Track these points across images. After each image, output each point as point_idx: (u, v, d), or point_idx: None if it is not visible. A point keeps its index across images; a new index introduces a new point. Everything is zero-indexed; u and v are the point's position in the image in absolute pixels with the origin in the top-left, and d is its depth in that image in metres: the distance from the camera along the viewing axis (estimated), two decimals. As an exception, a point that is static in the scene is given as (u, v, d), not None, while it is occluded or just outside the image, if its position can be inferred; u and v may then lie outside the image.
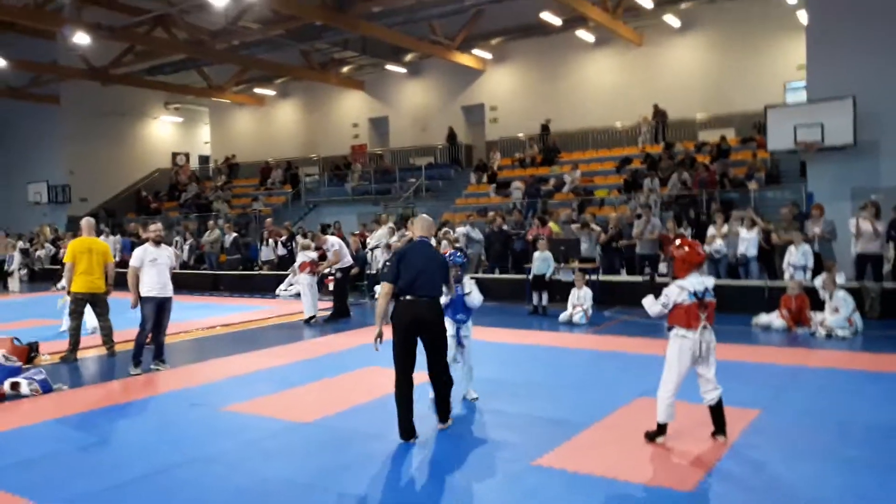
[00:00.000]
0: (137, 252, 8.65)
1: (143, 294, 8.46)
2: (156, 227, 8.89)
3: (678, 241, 5.54)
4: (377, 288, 7.00)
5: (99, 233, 13.55)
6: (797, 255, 11.44)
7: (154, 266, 8.48)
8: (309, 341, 10.72)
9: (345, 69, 28.04)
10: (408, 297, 5.57)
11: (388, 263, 6.57)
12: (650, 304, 5.39)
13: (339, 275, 12.68)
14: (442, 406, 5.86)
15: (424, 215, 6.22)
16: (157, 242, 8.70)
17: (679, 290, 5.25)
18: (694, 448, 5.24)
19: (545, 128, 23.41)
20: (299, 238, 14.86)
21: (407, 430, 5.51)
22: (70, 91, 29.18)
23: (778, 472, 4.78)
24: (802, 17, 15.49)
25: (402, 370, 5.55)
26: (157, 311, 8.52)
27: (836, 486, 4.53)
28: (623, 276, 14.28)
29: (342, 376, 7.90)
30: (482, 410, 6.45)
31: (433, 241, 6.25)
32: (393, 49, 24.91)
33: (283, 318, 13.14)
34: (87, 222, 9.69)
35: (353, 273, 13.95)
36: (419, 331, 5.58)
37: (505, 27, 23.42)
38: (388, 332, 5.59)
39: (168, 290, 8.61)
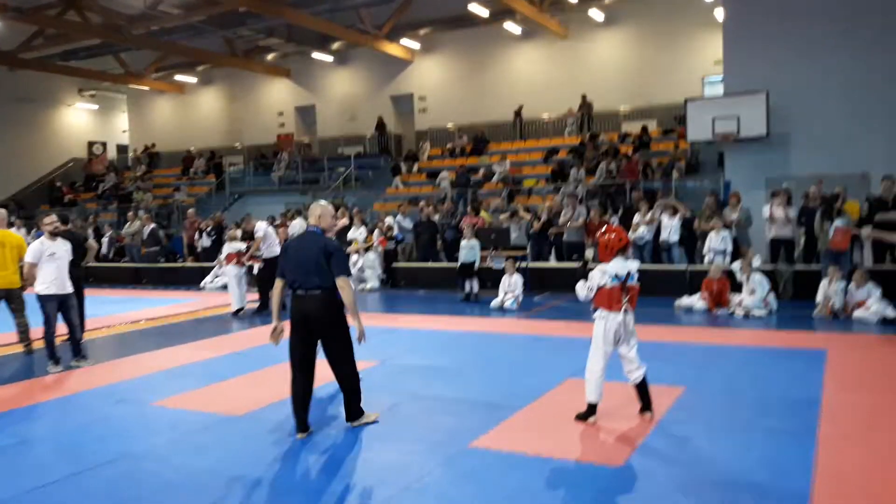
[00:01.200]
0: (34, 246, 8.20)
1: (41, 292, 8.04)
2: (51, 220, 8.49)
3: (604, 228, 5.71)
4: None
5: (10, 224, 12.90)
6: (717, 241, 11.95)
7: (52, 261, 8.10)
8: (237, 334, 10.51)
9: (270, 56, 27.45)
10: (297, 292, 5.38)
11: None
12: (580, 287, 5.58)
13: (262, 265, 12.31)
14: (347, 405, 5.62)
15: (321, 202, 5.80)
16: (54, 235, 8.32)
17: (602, 274, 5.44)
18: (622, 426, 5.44)
19: (518, 114, 22.95)
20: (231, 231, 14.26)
21: (300, 425, 5.42)
22: (-25, 76, 27.54)
23: (702, 446, 5.01)
24: (719, 14, 16.10)
25: (296, 366, 5.41)
26: (62, 309, 8.15)
27: (756, 455, 4.78)
28: (552, 263, 14.58)
29: (271, 368, 7.77)
30: (418, 396, 6.49)
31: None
32: (320, 37, 24.54)
33: (209, 311, 12.83)
34: (-2, 214, 9.20)
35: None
36: (308, 326, 5.35)
37: (433, 17, 23.42)
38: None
39: (67, 287, 8.19)
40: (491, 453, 4.97)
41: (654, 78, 21.30)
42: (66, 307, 8.21)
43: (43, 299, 8.07)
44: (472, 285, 12.73)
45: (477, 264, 12.77)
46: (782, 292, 11.40)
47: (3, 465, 5.08)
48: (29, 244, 8.66)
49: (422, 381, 7.04)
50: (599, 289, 5.44)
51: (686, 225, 13.05)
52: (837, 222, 10.52)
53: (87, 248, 10.18)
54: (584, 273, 5.64)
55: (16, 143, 29.25)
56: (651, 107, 21.33)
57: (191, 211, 20.57)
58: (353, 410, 5.61)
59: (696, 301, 10.92)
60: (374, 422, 5.67)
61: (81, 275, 9.84)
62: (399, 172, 22.90)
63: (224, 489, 4.50)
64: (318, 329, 5.38)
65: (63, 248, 8.29)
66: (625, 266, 5.48)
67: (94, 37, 23.08)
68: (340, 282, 5.31)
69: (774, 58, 14.02)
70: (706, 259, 12.01)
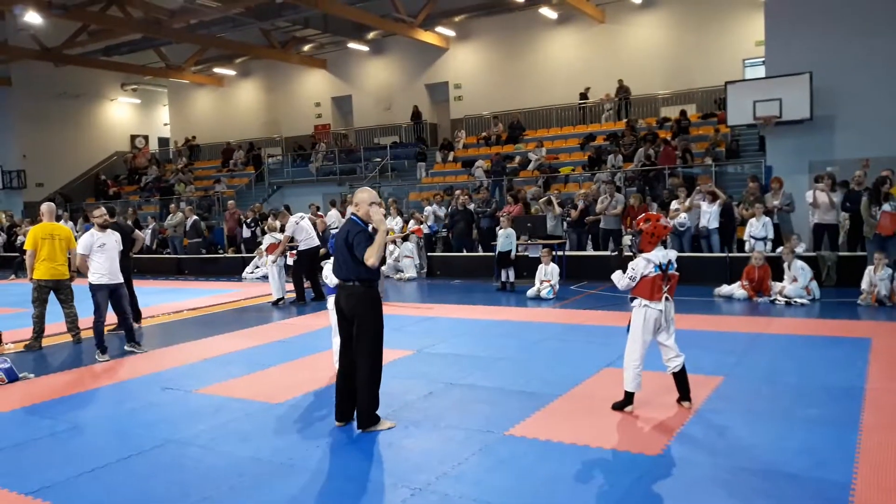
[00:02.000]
0: (85, 238, 8.46)
1: (93, 282, 8.30)
2: (100, 212, 8.72)
3: (643, 216, 5.66)
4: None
5: (58, 218, 13.30)
6: (758, 227, 11.73)
7: (102, 252, 8.34)
8: (278, 323, 10.70)
9: (306, 48, 27.67)
10: (338, 282, 5.37)
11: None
12: (619, 278, 5.53)
13: (295, 257, 12.37)
14: (359, 407, 5.27)
15: (365, 188, 5.59)
16: (104, 227, 8.55)
17: (646, 263, 5.40)
18: (660, 415, 5.41)
19: (583, 96, 22.40)
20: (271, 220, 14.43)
21: (337, 412, 5.43)
22: (22, 72, 28.33)
23: (740, 435, 4.97)
24: (760, -8, 15.76)
25: (341, 354, 5.41)
26: (112, 298, 8.41)
27: (795, 444, 4.72)
28: (589, 252, 14.48)
29: (312, 357, 7.91)
30: (454, 385, 6.54)
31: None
32: (355, 27, 24.65)
33: (250, 301, 13.07)
34: (48, 207, 9.49)
35: (321, 254, 13.76)
36: (344, 318, 5.28)
37: (468, 4, 23.35)
38: None
39: (118, 276, 8.45)
40: (527, 441, 4.99)
41: (692, 61, 20.93)
42: (116, 296, 8.47)
43: (94, 288, 8.33)
44: (509, 274, 12.73)
45: (513, 253, 12.75)
46: (825, 280, 11.16)
47: (56, 449, 5.29)
48: (77, 236, 8.93)
49: (458, 369, 7.09)
50: (642, 278, 5.41)
51: (725, 212, 12.83)
52: (885, 206, 10.25)
53: (134, 238, 10.47)
54: (620, 263, 5.60)
55: (61, 138, 30.05)
56: (690, 90, 20.98)
57: (231, 202, 20.92)
58: (368, 415, 5.27)
59: (736, 289, 10.75)
60: (389, 428, 5.32)
61: (131, 265, 10.15)
62: (424, 159, 22.90)
63: (266, 475, 4.61)
64: (345, 320, 5.26)
65: (112, 239, 8.54)
66: (665, 255, 5.45)
67: (136, 31, 23.57)
68: (365, 260, 5.02)
69: (818, 38, 13.65)
70: (747, 246, 11.81)
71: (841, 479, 4.16)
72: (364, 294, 5.21)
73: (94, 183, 30.32)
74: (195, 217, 19.68)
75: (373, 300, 5.27)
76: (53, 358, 8.63)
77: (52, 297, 9.08)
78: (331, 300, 6.96)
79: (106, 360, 8.18)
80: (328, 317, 7.02)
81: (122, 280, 8.58)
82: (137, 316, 10.49)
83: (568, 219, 14.69)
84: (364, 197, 5.36)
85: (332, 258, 6.95)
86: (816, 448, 4.65)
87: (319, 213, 17.06)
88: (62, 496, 4.42)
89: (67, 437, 5.58)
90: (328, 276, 6.86)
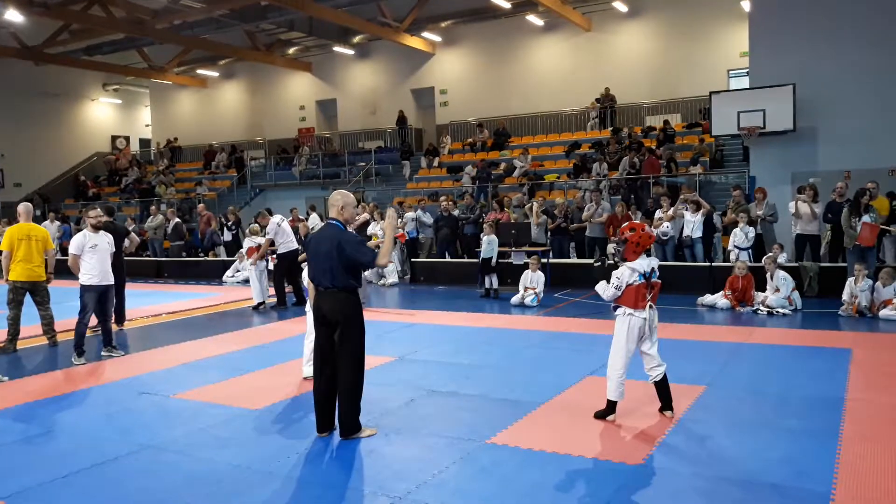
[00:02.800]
0: (77, 238, 8.40)
1: (83, 282, 8.25)
2: (95, 213, 8.62)
3: (627, 224, 5.66)
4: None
5: (41, 219, 13.09)
6: (740, 237, 11.81)
7: (95, 253, 8.27)
8: (258, 328, 10.59)
9: (291, 50, 27.54)
10: (318, 288, 5.23)
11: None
12: (603, 288, 5.50)
13: (276, 262, 12.32)
14: (343, 416, 5.18)
15: (341, 191, 5.47)
16: (97, 228, 8.46)
17: (631, 272, 5.39)
18: (642, 424, 5.40)
19: (607, 97, 22.02)
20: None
21: (318, 423, 5.31)
22: (1, 70, 27.80)
23: (722, 445, 4.96)
24: (746, 5, 15.88)
25: (317, 364, 5.24)
26: (99, 300, 8.35)
27: (776, 455, 4.72)
28: (573, 259, 14.50)
29: (291, 363, 7.81)
30: (436, 392, 6.49)
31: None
32: (341, 30, 24.58)
33: (230, 305, 12.94)
34: (25, 207, 9.33)
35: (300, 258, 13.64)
36: (326, 323, 5.17)
37: (454, 10, 23.34)
38: None
39: (109, 278, 8.41)
40: (509, 450, 4.95)
41: (678, 71, 21.08)
42: (104, 298, 8.40)
43: (84, 289, 8.24)
44: (492, 281, 12.69)
45: (495, 260, 12.71)
46: (807, 290, 11.24)
47: (29, 454, 5.17)
48: (55, 238, 8.80)
49: (440, 377, 7.04)
50: (627, 286, 5.39)
51: (707, 221, 12.91)
52: (865, 218, 10.35)
53: (129, 240, 10.41)
54: (603, 272, 5.57)
55: (41, 138, 29.66)
56: (675, 100, 21.11)
57: (201, 206, 20.74)
58: (350, 423, 5.18)
59: (719, 298, 10.79)
60: (369, 436, 5.25)
61: (123, 265, 10.07)
62: (409, 157, 22.85)
63: (243, 482, 4.53)
64: (331, 328, 5.16)
65: (105, 241, 8.46)
66: (648, 263, 5.45)
67: (118, 31, 23.34)
68: (378, 261, 5.09)
69: (802, 50, 13.80)
70: (731, 256, 11.88)
71: (821, 489, 4.16)
72: (348, 299, 5.17)
73: (74, 183, 29.94)
74: (177, 220, 19.47)
75: (357, 306, 5.24)
76: (28, 361, 8.47)
77: (28, 299, 8.93)
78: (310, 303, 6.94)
79: (83, 364, 8.05)
80: (307, 321, 6.95)
81: (112, 282, 8.51)
82: (121, 318, 10.39)
83: (548, 228, 14.71)
84: (349, 200, 5.36)
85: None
86: (797, 458, 4.66)
87: (301, 218, 16.94)
88: (35, 502, 4.32)
89: (41, 441, 5.46)
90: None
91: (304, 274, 6.90)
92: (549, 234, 14.76)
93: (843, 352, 7.64)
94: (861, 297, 9.78)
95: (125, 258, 10.51)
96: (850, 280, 9.99)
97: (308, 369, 6.64)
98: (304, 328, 6.97)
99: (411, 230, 16.09)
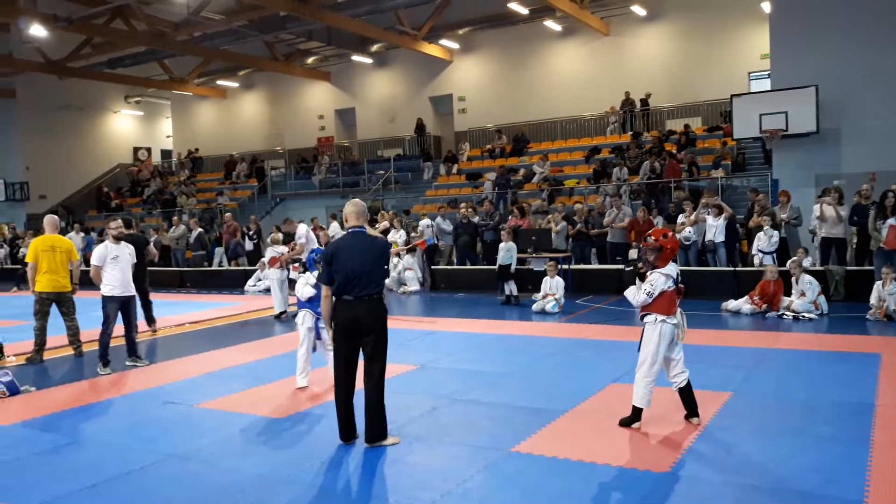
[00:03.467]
0: (99, 250, 8.50)
1: (105, 293, 8.34)
2: (117, 224, 8.71)
3: (657, 230, 5.62)
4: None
5: (65, 230, 13.26)
6: (764, 241, 11.67)
7: (116, 264, 8.35)
8: (280, 337, 10.62)
9: (310, 60, 27.75)
10: (345, 297, 5.12)
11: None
12: (633, 294, 5.44)
13: (299, 269, 12.30)
14: (372, 421, 5.19)
15: (356, 200, 5.46)
16: (118, 239, 8.55)
17: (665, 279, 5.35)
18: (667, 431, 5.33)
19: (645, 101, 21.72)
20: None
21: (345, 432, 5.29)
22: (26, 84, 28.43)
23: (749, 452, 4.89)
24: (766, 7, 15.75)
25: (341, 374, 5.20)
26: (122, 310, 8.43)
27: (806, 462, 4.64)
28: (594, 265, 14.41)
29: (314, 371, 7.83)
30: (459, 400, 6.46)
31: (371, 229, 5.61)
32: (359, 39, 24.71)
33: (253, 314, 13.01)
34: (50, 219, 9.45)
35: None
36: (356, 331, 5.13)
37: (472, 17, 23.39)
38: None
39: (130, 289, 8.51)
40: (533, 458, 4.91)
41: (698, 74, 20.92)
42: (126, 308, 8.49)
43: (105, 300, 8.34)
44: (511, 288, 12.64)
45: (513, 267, 12.64)
46: (833, 294, 11.07)
47: (56, 463, 5.22)
48: (80, 249, 8.91)
49: (462, 384, 7.01)
50: (660, 294, 5.34)
51: (729, 226, 12.76)
52: (891, 220, 10.18)
53: (147, 251, 10.58)
54: (633, 278, 5.53)
55: (65, 150, 30.12)
56: (695, 103, 20.95)
57: (228, 215, 20.87)
58: (380, 429, 5.22)
59: (744, 304, 10.65)
60: (393, 444, 5.24)
61: (146, 275, 10.21)
62: (430, 159, 22.89)
63: (268, 491, 4.54)
64: (368, 336, 5.13)
65: (126, 252, 8.55)
66: (675, 268, 5.45)
67: (140, 44, 23.67)
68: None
69: (823, 51, 13.65)
70: (755, 260, 11.74)
71: (853, 496, 4.08)
72: (383, 306, 5.26)
73: (97, 195, 30.32)
74: (200, 230, 19.65)
75: (386, 311, 5.34)
76: (55, 371, 8.56)
77: (54, 309, 9.04)
78: (302, 314, 6.97)
79: (108, 374, 8.12)
80: (300, 333, 7.09)
81: (134, 293, 8.62)
82: (151, 320, 10.88)
83: (569, 234, 14.63)
84: (364, 207, 5.50)
85: (306, 272, 6.97)
86: (827, 465, 4.57)
87: (322, 226, 17.01)
88: (61, 513, 4.36)
89: (68, 451, 5.51)
90: (302, 289, 6.87)
91: (300, 284, 6.97)
92: (570, 240, 14.69)
93: (872, 356, 7.50)
94: (889, 301, 9.61)
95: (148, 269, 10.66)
96: (878, 283, 9.83)
97: (301, 380, 7.00)
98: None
99: (429, 238, 16.08)
